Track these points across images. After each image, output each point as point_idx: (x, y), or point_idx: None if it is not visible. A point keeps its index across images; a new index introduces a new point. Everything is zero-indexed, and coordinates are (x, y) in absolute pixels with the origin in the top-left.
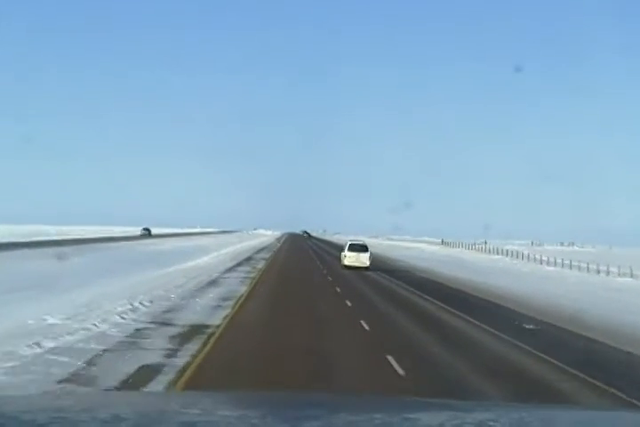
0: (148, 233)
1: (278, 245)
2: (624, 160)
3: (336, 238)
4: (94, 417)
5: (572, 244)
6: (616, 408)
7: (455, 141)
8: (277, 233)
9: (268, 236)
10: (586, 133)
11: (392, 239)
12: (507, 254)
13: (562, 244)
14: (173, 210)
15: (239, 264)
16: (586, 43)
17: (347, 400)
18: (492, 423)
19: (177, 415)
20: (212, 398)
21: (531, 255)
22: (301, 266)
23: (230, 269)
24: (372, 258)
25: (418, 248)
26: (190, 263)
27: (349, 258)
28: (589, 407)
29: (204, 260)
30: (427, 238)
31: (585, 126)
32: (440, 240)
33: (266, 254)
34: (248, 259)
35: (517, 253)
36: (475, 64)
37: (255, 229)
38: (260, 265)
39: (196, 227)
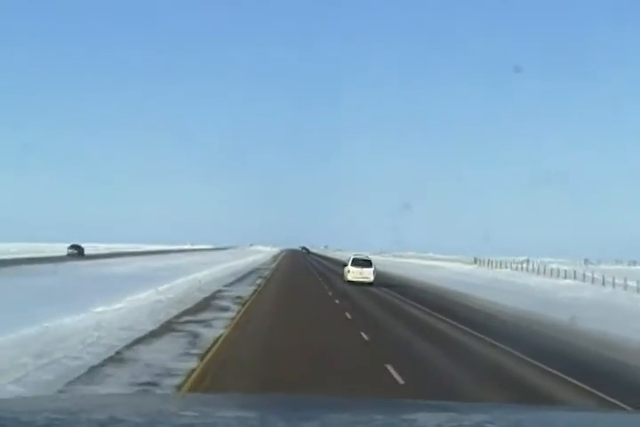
0: (77, 252)
1: (272, 265)
2: (633, 169)
3: (339, 255)
4: (92, 419)
5: (634, 262)
6: (615, 411)
7: (453, 154)
8: (275, 249)
9: (264, 253)
10: (587, 142)
11: (399, 256)
12: (578, 278)
13: (620, 262)
14: (167, 226)
15: (174, 325)
16: (586, 49)
17: (345, 402)
18: (489, 425)
19: (175, 418)
20: (211, 400)
21: (598, 278)
22: (313, 322)
23: (121, 359)
24: (411, 287)
25: (444, 268)
26: (98, 310)
27: (353, 273)
28: (588, 409)
29: (135, 299)
30: (432, 254)
31: (586, 133)
32: (468, 257)
33: (248, 286)
34: (209, 302)
35: (580, 274)
36: (473, 71)
37: (251, 246)
38: (222, 322)
39: (186, 244)
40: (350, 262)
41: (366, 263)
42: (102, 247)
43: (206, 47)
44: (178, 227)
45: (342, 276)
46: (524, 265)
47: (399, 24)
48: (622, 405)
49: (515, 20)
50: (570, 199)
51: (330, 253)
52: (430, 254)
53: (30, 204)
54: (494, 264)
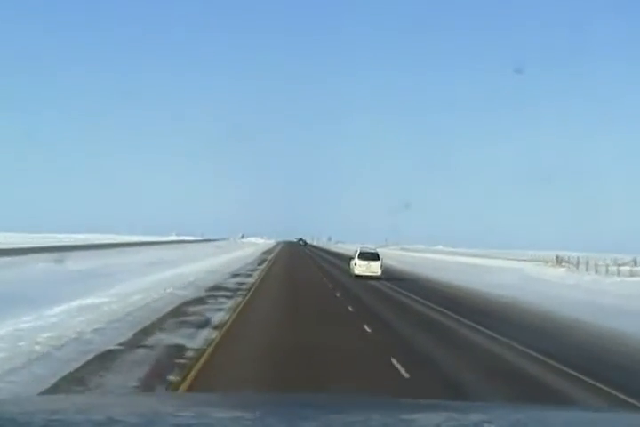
0: None
1: (259, 271)
2: (628, 162)
3: (344, 249)
4: (89, 420)
5: None
6: (613, 409)
7: (454, 146)
8: (271, 242)
9: (256, 246)
10: (586, 136)
11: (408, 249)
12: None
13: None
14: (157, 216)
15: None
16: (585, 45)
17: (344, 402)
18: (488, 425)
19: (172, 417)
20: (209, 400)
21: None
22: None
23: None
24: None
25: (504, 269)
26: None
27: (360, 267)
28: (586, 408)
29: None
30: (441, 247)
31: (585, 128)
32: (547, 256)
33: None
34: None
35: None
36: (473, 68)
37: (243, 237)
38: None
39: (170, 235)
40: (357, 256)
41: (373, 256)
42: (82, 238)
43: (206, 31)
44: (168, 216)
45: (348, 271)
46: (630, 267)
47: (398, 22)
48: None
49: (515, 18)
50: (572, 193)
51: (333, 247)
52: (440, 247)
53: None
54: (589, 267)
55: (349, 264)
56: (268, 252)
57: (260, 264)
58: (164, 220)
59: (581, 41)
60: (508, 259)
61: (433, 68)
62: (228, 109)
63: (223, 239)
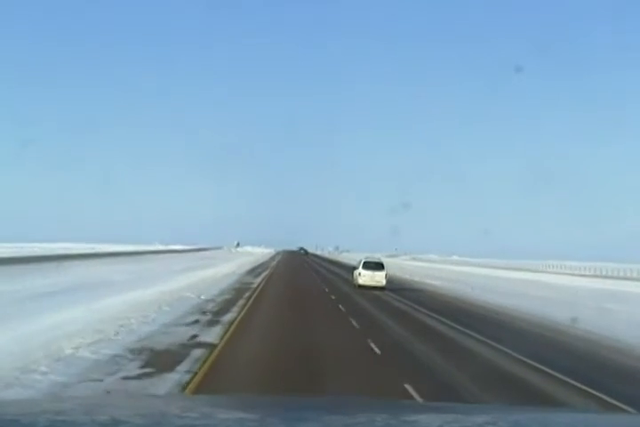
0: None
1: (200, 349)
2: (630, 167)
3: (350, 258)
4: (94, 420)
5: None
6: (614, 412)
7: (453, 152)
8: (269, 251)
9: (251, 256)
10: (587, 140)
11: (421, 259)
12: None
13: None
14: (156, 223)
15: None
16: (585, 49)
17: (345, 403)
18: (489, 426)
19: (176, 419)
20: (212, 402)
21: None
22: None
23: None
24: None
25: (621, 294)
26: None
27: (364, 277)
28: (587, 411)
29: None
30: (456, 258)
31: (586, 132)
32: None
33: None
34: None
35: None
36: (473, 73)
37: (239, 246)
38: None
39: (154, 243)
40: (361, 266)
41: (378, 266)
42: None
43: (206, 38)
44: (165, 224)
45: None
46: None
47: (400, 21)
48: None
49: (515, 18)
50: (577, 199)
51: (342, 258)
52: (456, 258)
53: None
54: None
55: (353, 274)
56: (259, 268)
57: (225, 309)
58: (162, 228)
59: (581, 46)
60: (575, 275)
61: (432, 70)
62: (227, 119)
63: (217, 248)
